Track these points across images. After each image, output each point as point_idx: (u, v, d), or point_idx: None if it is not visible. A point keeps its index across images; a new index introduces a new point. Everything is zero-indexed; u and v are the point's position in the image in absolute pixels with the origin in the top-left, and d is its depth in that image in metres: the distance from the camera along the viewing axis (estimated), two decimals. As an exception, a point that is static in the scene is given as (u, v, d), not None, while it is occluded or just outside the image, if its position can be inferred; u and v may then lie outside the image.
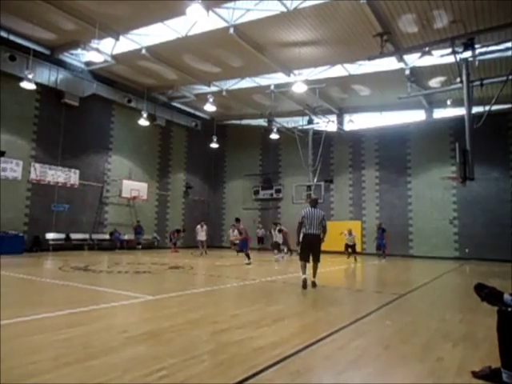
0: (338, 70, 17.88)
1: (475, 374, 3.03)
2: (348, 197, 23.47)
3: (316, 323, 4.91)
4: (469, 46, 12.01)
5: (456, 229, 19.88)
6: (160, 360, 3.23)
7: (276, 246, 17.81)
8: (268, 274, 11.00)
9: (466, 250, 19.16)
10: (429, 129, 20.95)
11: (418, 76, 16.81)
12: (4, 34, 16.24)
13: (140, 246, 21.01)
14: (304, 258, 7.83)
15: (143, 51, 16.89)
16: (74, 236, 18.94)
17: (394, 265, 15.52)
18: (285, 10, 13.32)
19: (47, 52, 17.76)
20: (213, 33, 15.02)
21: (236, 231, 17.24)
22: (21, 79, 16.03)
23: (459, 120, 14.63)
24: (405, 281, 10.66)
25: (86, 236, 19.49)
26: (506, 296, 2.94)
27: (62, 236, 18.53)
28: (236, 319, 4.84)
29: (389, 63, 16.30)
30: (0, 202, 16.31)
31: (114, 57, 17.60)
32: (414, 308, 6.43)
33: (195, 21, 14.28)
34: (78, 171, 19.42)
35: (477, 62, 12.62)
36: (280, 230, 17.76)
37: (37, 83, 16.54)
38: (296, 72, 18.07)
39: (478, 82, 12.74)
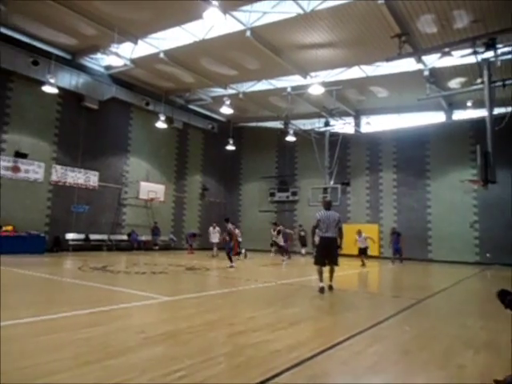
0: (355, 72, 17.75)
1: (498, 383, 2.95)
2: (365, 200, 23.22)
3: (332, 327, 4.87)
4: (490, 45, 11.74)
5: (477, 233, 19.41)
6: (178, 361, 3.26)
7: (277, 247, 17.66)
8: (285, 277, 10.97)
9: (488, 255, 18.67)
10: (448, 131, 20.55)
11: (438, 77, 16.53)
12: (27, 40, 16.71)
13: (157, 247, 21.25)
14: (320, 262, 7.66)
15: (161, 55, 17.12)
16: (93, 237, 19.30)
17: (412, 269, 15.26)
18: (301, 12, 13.31)
19: (68, 57, 18.18)
20: (230, 36, 15.12)
21: (275, 232, 17.73)
22: (43, 83, 16.51)
23: (480, 121, 14.30)
24: (423, 285, 10.46)
25: (105, 237, 19.82)
26: (531, 303, 2.85)
27: (82, 236, 18.90)
28: (252, 322, 4.84)
29: (407, 64, 16.08)
30: (22, 202, 16.79)
31: (132, 61, 17.90)
32: (433, 314, 6.31)
33: (212, 24, 14.44)
34: (97, 173, 19.80)
35: (499, 62, 12.31)
36: (279, 231, 17.44)
37: (58, 87, 16.95)
38: (313, 74, 18.03)
39: (499, 83, 12.43)
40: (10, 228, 15.74)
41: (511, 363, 3.41)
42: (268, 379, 2.89)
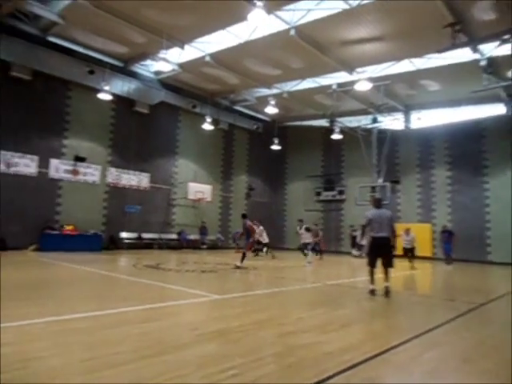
0: (405, 65, 17.07)
1: None
2: (416, 198, 22.27)
3: (385, 331, 4.74)
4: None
5: (543, 233, 17.94)
6: (230, 359, 3.33)
7: (303, 248, 15.83)
8: (332, 277, 10.81)
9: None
10: (509, 124, 19.16)
11: (496, 67, 15.46)
12: (84, 51, 17.79)
13: (205, 246, 21.78)
14: (372, 264, 7.31)
15: (207, 58, 17.51)
16: (145, 235, 20.20)
17: (468, 271, 14.43)
18: (347, 7, 13.03)
19: (121, 64, 19.13)
20: (273, 36, 15.13)
21: (303, 229, 16.19)
22: (98, 91, 17.51)
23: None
24: (482, 289, 9.85)
25: (156, 236, 20.65)
26: None
27: (135, 235, 19.83)
28: (302, 322, 4.83)
29: (461, 55, 15.19)
30: (81, 203, 17.95)
31: (180, 65, 18.46)
32: (494, 320, 5.93)
33: (256, 25, 14.53)
34: (148, 174, 20.68)
35: None
36: (308, 229, 15.80)
37: (112, 94, 17.91)
38: (359, 70, 17.58)
39: None
40: (71, 227, 16.88)
41: None
42: (321, 381, 2.88)
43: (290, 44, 15.43)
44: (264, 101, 21.21)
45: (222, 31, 15.58)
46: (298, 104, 22.76)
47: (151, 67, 20.04)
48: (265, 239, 18.67)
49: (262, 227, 18.29)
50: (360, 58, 16.26)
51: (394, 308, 6.43)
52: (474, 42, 13.68)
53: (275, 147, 24.02)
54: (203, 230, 22.01)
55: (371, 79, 16.26)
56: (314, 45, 15.41)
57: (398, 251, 15.78)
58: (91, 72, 17.69)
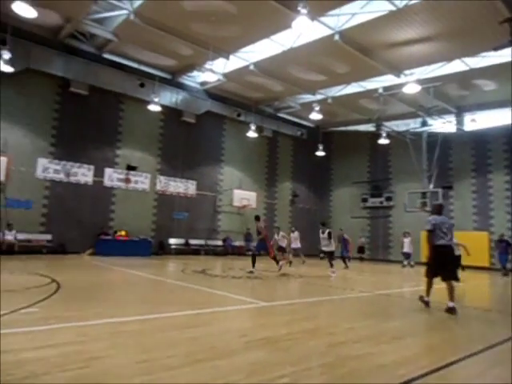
0: (456, 65, 16.33)
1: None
2: (471, 204, 21.05)
3: (442, 345, 4.49)
4: None
5: None
6: (280, 367, 3.30)
7: (329, 256, 13.23)
8: (381, 287, 10.46)
9: None
10: None
11: (561, 62, 14.36)
12: (135, 65, 18.75)
13: (250, 253, 21.88)
14: (431, 274, 6.63)
15: (251, 67, 17.79)
16: (192, 241, 20.73)
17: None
18: (394, 8, 12.73)
19: (169, 77, 19.94)
20: (317, 42, 15.10)
21: (325, 234, 13.91)
22: (148, 102, 18.35)
23: None
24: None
25: (202, 242, 21.11)
26: None
27: (182, 241, 20.42)
28: (352, 332, 4.71)
29: (521, 51, 14.27)
30: (133, 210, 18.81)
31: (225, 75, 18.90)
32: None
33: (300, 32, 14.56)
34: (195, 182, 21.27)
35: None
36: (330, 234, 13.14)
37: (161, 105, 18.69)
38: (407, 72, 17.05)
39: None
40: (123, 233, 17.71)
41: None
42: (376, 395, 2.78)
43: (335, 49, 15.31)
44: (308, 107, 21.13)
45: (266, 40, 15.78)
46: (343, 109, 22.44)
47: (197, 78, 20.69)
48: (297, 244, 17.29)
49: (297, 232, 17.24)
50: (408, 60, 15.77)
51: (449, 321, 6.08)
52: (534, 37, 12.80)
53: (320, 153, 23.79)
54: (248, 237, 22.14)
55: (420, 81, 15.67)
56: (359, 49, 15.17)
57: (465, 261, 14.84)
58: (142, 85, 18.59)
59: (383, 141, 21.40)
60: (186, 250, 20.32)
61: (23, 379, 2.79)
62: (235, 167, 23.37)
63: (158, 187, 20.03)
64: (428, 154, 20.33)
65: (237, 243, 22.02)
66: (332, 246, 13.20)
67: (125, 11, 14.21)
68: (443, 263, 6.49)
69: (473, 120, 20.40)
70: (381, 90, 18.66)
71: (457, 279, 6.57)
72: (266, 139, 24.78)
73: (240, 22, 14.27)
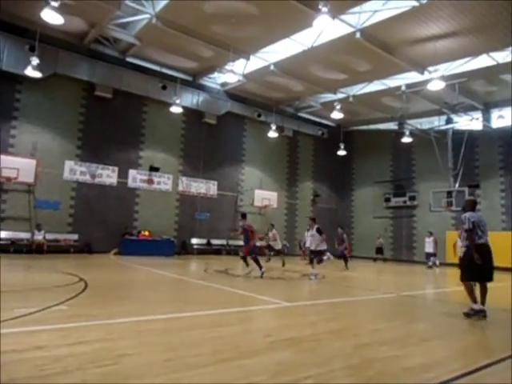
0: (483, 60, 15.84)
1: None
2: (499, 204, 20.36)
3: (472, 348, 4.37)
4: None
5: None
6: (305, 368, 3.30)
7: (316, 256, 11.44)
8: (406, 288, 10.25)
9: None
10: None
11: None
12: (157, 68, 19.06)
13: (271, 253, 21.86)
14: (474, 277, 6.04)
15: (271, 67, 17.79)
16: (213, 241, 20.89)
17: None
18: (416, 4, 12.46)
19: (190, 78, 20.17)
20: (338, 40, 14.95)
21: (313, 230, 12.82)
22: (170, 104, 18.61)
23: None
24: None
25: (224, 242, 21.23)
26: None
27: (204, 241, 20.60)
28: (378, 334, 4.64)
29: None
30: (156, 211, 19.12)
31: (245, 76, 18.96)
32: None
33: (321, 31, 14.45)
34: (216, 182, 21.43)
35: None
36: (320, 231, 11.43)
37: (183, 107, 18.92)
38: (431, 69, 16.65)
39: None
40: (146, 233, 18.02)
41: None
42: (405, 398, 2.74)
43: (356, 47, 15.12)
44: (329, 106, 20.96)
45: (287, 39, 15.73)
46: (365, 107, 22.14)
47: (218, 79, 20.83)
48: (278, 245, 16.17)
49: (275, 231, 16.10)
50: (432, 56, 15.39)
51: (479, 324, 5.91)
52: None
53: (341, 152, 23.53)
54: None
55: (445, 77, 15.30)
56: (381, 46, 14.93)
57: (452, 259, 13.93)
58: (164, 87, 18.88)
59: (406, 139, 20.99)
60: (208, 250, 20.50)
61: (56, 375, 2.89)
62: (256, 167, 23.41)
63: (180, 188, 20.29)
64: (453, 152, 19.83)
65: (258, 243, 21.98)
66: (323, 245, 11.47)
67: (147, 15, 14.46)
68: (487, 263, 6.06)
69: (500, 116, 19.72)
70: (404, 88, 18.30)
71: (492, 280, 6.16)
72: (286, 139, 24.72)
73: (260, 22, 14.28)
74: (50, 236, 16.15)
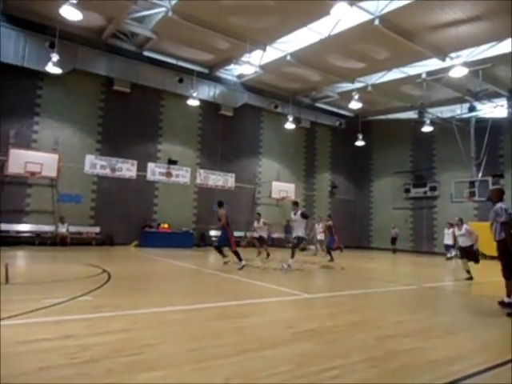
0: (508, 45, 15.23)
1: None
2: (525, 194, 19.73)
3: (498, 342, 4.28)
4: None
5: None
6: (328, 359, 3.30)
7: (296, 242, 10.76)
8: (427, 279, 10.10)
9: None
10: None
11: None
12: (174, 61, 19.11)
13: (290, 245, 21.88)
14: None
15: (288, 57, 17.59)
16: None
17: None
18: (439, -12, 12.06)
19: (206, 71, 20.15)
20: (356, 28, 14.64)
21: (260, 223, 13.29)
22: (187, 97, 18.67)
23: None
24: None
25: (242, 234, 21.31)
26: None
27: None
28: (401, 326, 4.59)
29: None
30: (175, 203, 19.33)
31: (261, 67, 18.81)
32: None
33: (338, 19, 14.19)
34: (233, 175, 21.49)
35: None
36: (304, 216, 10.62)
37: (199, 99, 18.96)
38: (453, 55, 16.17)
39: None
40: (166, 225, 18.26)
41: None
42: (431, 391, 2.71)
43: (375, 34, 14.80)
44: (347, 96, 20.64)
45: (303, 29, 15.51)
46: (384, 97, 21.71)
47: (234, 71, 20.75)
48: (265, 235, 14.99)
49: (263, 220, 14.80)
50: (454, 42, 14.94)
51: (504, 317, 5.78)
52: None
53: (359, 143, 23.22)
54: (288, 229, 22.13)
55: (467, 64, 14.83)
56: (400, 33, 14.57)
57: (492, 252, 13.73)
58: (180, 80, 18.94)
59: (427, 128, 20.51)
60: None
61: (85, 363, 2.97)
62: (273, 159, 23.34)
63: (198, 180, 20.44)
64: (476, 141, 19.28)
65: (276, 235, 22.04)
66: (301, 231, 10.57)
67: (163, 8, 14.48)
68: None
69: (527, 103, 19.04)
70: (424, 75, 17.83)
71: None
72: (303, 130, 24.52)
73: (277, 12, 14.11)
74: (72, 229, 16.56)
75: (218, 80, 20.68)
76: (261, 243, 14.43)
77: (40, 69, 15.36)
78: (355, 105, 19.43)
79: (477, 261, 9.26)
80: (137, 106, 18.76)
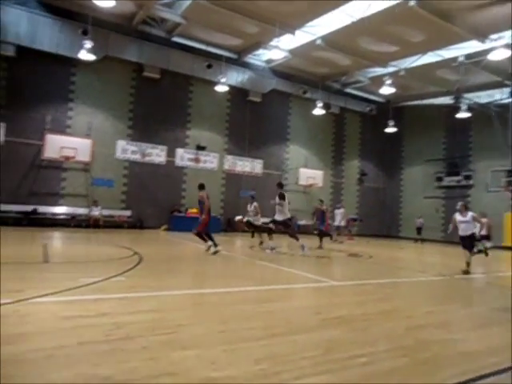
0: (556, 25, 14.27)
1: None
2: None
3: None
4: None
5: None
6: (358, 346, 3.29)
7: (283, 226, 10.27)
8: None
9: None
10: None
11: None
12: (203, 47, 19.09)
13: (316, 232, 21.78)
14: None
15: (318, 41, 17.20)
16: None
17: None
18: (481, -36, 11.38)
19: (235, 56, 20.03)
20: (390, 9, 14.08)
21: (252, 207, 12.35)
22: (216, 83, 18.67)
23: None
24: None
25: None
26: None
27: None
28: (432, 317, 4.52)
29: None
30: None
31: (290, 51, 18.49)
32: None
33: (371, 1, 13.71)
34: (261, 161, 21.49)
35: None
36: (282, 196, 10.21)
37: (228, 85, 18.92)
38: (493, 36, 15.30)
39: None
40: (194, 210, 18.54)
41: None
42: (465, 382, 2.66)
43: (410, 16, 14.21)
44: (378, 81, 20.04)
45: (334, 11, 15.08)
46: (417, 81, 20.92)
47: (263, 56, 20.51)
48: (258, 221, 13.58)
49: (256, 204, 13.40)
50: (495, 23, 14.15)
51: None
52: None
53: (390, 129, 22.55)
54: (316, 216, 21.95)
55: (510, 46, 14.01)
56: (437, 13, 13.92)
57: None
58: (209, 66, 18.92)
59: (463, 114, 19.66)
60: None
61: (120, 340, 3.10)
62: (301, 145, 23.12)
63: (226, 166, 20.57)
64: (517, 128, 18.35)
65: (303, 222, 21.99)
66: (285, 214, 9.96)
67: (193, -7, 14.41)
68: None
69: None
70: (462, 59, 17.02)
71: None
72: (332, 116, 24.07)
73: (307, -6, 13.78)
74: (105, 212, 17.12)
75: (247, 65, 20.53)
76: (254, 229, 13.20)
77: (73, 56, 15.73)
78: (387, 90, 18.85)
79: (471, 249, 8.74)
80: (166, 92, 18.95)
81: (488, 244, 17.50)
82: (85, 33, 15.53)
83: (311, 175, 22.39)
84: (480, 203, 20.92)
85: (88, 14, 15.28)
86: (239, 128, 20.94)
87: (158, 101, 18.73)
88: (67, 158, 16.26)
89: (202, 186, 10.75)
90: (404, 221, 25.37)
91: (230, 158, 20.67)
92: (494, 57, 13.93)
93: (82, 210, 16.91)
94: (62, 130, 16.68)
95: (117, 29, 17.11)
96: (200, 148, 19.59)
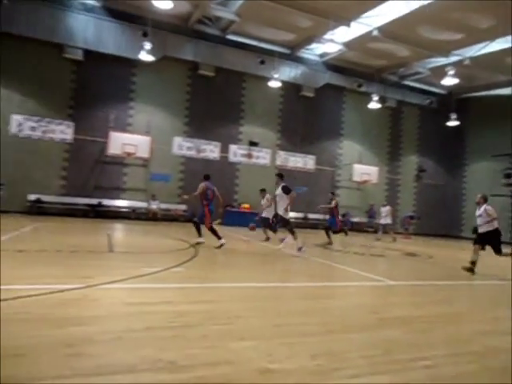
0: None
1: None
2: None
3: None
4: None
5: None
6: (419, 349, 3.17)
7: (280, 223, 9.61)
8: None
9: None
10: None
11: None
12: (255, 43, 19.22)
13: (373, 229, 21.18)
14: None
15: (374, 32, 16.65)
16: (310, 216, 20.94)
17: None
18: None
19: (288, 51, 19.95)
20: (455, -6, 13.25)
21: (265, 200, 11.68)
22: (268, 79, 18.73)
23: None
24: None
25: (321, 217, 21.12)
26: None
27: (301, 215, 20.77)
28: (499, 323, 4.23)
29: None
30: (254, 184, 19.75)
31: (345, 44, 18.06)
32: None
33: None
34: (314, 157, 21.28)
35: None
36: (287, 190, 9.21)
37: (281, 81, 18.91)
38: None
39: None
40: (247, 205, 18.84)
41: None
42: (539, 394, 2.48)
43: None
44: (439, 72, 18.96)
45: (391, 1, 14.47)
46: (484, 71, 19.51)
47: (316, 50, 20.23)
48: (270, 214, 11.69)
49: (268, 196, 12.74)
50: None
51: None
52: None
53: (452, 123, 21.27)
54: (371, 213, 21.34)
55: None
56: (510, -5, 12.85)
57: None
58: (262, 62, 19.02)
59: (536, 105, 18.02)
60: (304, 224, 20.65)
61: (182, 327, 3.25)
62: (355, 141, 22.54)
63: (278, 162, 20.61)
64: None
65: (356, 219, 21.47)
66: (283, 208, 9.14)
67: (247, -10, 14.53)
68: None
69: None
70: (536, 44, 15.61)
71: None
72: (388, 110, 23.18)
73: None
74: (162, 206, 17.91)
75: (300, 60, 20.37)
76: (265, 225, 12.13)
77: (134, 57, 16.57)
78: (449, 81, 17.77)
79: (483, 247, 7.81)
80: (220, 89, 19.36)
81: None
82: (145, 35, 16.27)
83: (366, 171, 21.77)
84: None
85: (147, 16, 15.99)
86: (292, 123, 20.87)
87: (212, 98, 19.20)
88: (128, 154, 17.21)
89: (206, 177, 10.22)
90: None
91: (282, 153, 20.68)
92: None
93: (141, 204, 17.84)
94: (123, 127, 17.68)
95: (174, 29, 17.75)
96: (253, 144, 19.81)
